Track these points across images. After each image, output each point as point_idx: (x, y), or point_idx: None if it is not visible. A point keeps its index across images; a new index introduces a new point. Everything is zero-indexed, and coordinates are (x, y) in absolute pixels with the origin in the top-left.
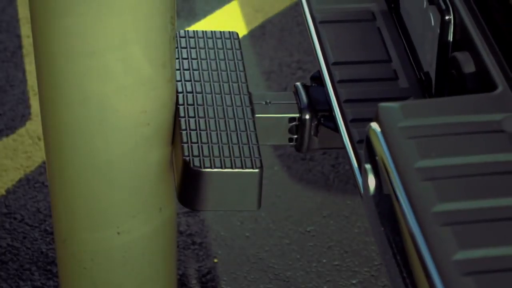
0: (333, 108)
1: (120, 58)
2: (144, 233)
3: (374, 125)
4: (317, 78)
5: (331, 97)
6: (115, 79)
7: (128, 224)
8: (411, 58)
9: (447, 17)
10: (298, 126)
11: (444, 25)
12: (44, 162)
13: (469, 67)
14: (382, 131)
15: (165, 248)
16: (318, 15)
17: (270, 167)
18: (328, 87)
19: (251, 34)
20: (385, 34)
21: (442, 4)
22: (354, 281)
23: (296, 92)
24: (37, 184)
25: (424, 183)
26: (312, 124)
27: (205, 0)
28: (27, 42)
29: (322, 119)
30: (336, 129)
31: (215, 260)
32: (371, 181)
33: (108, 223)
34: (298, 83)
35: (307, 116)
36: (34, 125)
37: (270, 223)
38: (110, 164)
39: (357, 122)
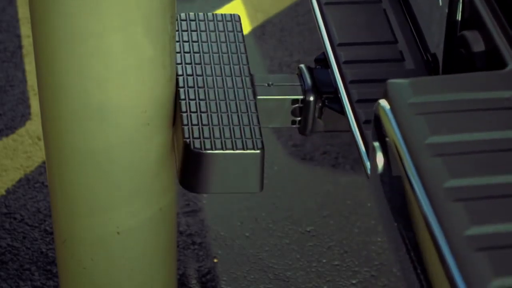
0: (338, 89)
1: (120, 57)
2: (144, 233)
3: (383, 102)
4: (321, 60)
5: (336, 78)
6: (115, 79)
7: (128, 224)
8: (417, 40)
9: None
10: (301, 108)
11: (452, 3)
12: (44, 162)
13: (478, 46)
14: (392, 108)
15: (165, 248)
16: None
17: (270, 167)
18: (333, 68)
19: (251, 34)
20: (391, 16)
21: None
22: (354, 281)
23: (300, 74)
24: (37, 184)
25: (435, 159)
26: (316, 106)
27: (205, 0)
28: (27, 42)
29: (326, 101)
30: (341, 111)
31: (215, 260)
32: (379, 159)
33: (108, 223)
34: (302, 65)
35: (311, 98)
36: (34, 125)
37: (270, 223)
38: (110, 164)
39: (363, 103)
